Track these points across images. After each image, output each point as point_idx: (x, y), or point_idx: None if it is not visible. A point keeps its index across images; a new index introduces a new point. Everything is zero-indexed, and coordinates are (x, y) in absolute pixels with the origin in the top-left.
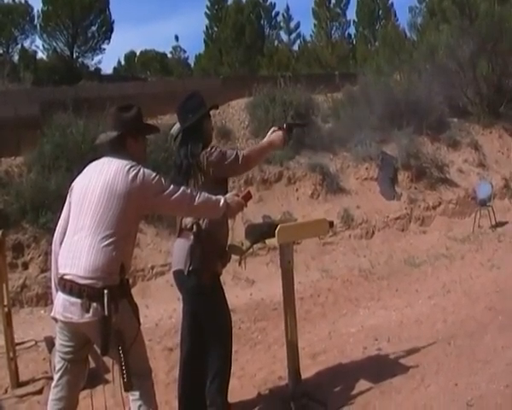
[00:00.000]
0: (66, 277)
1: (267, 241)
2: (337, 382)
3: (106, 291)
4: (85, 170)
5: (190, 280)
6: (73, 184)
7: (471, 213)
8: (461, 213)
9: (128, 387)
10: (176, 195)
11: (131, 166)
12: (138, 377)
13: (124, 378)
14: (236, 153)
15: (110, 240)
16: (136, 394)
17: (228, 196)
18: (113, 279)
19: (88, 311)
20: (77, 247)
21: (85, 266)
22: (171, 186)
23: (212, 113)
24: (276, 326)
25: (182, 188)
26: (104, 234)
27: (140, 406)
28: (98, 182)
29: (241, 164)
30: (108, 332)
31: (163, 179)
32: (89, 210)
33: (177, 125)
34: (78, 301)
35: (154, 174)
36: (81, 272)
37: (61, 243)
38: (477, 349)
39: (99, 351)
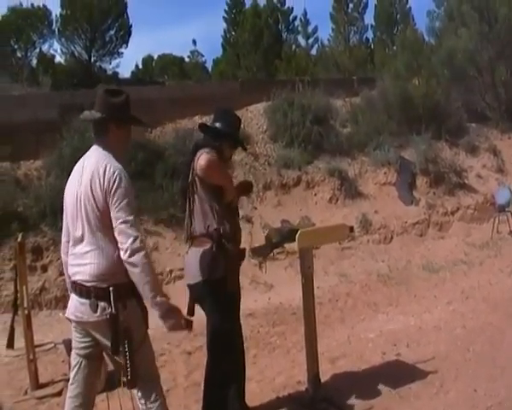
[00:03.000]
0: (75, 280)
1: (287, 245)
2: (356, 387)
3: (111, 289)
4: (73, 172)
5: (215, 289)
6: (65, 189)
7: (489, 218)
8: (479, 219)
9: (131, 385)
10: (124, 225)
11: (107, 167)
12: (147, 383)
13: (127, 376)
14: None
15: (108, 243)
16: (145, 400)
17: (165, 305)
18: (118, 278)
19: (96, 311)
20: (80, 258)
21: (90, 272)
22: (131, 216)
23: None
24: (294, 331)
25: (134, 231)
26: (101, 240)
27: None
28: (81, 187)
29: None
30: (117, 330)
31: (129, 200)
32: (80, 220)
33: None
34: (87, 301)
35: (125, 187)
36: (87, 277)
37: (67, 252)
38: (496, 356)
39: (109, 351)
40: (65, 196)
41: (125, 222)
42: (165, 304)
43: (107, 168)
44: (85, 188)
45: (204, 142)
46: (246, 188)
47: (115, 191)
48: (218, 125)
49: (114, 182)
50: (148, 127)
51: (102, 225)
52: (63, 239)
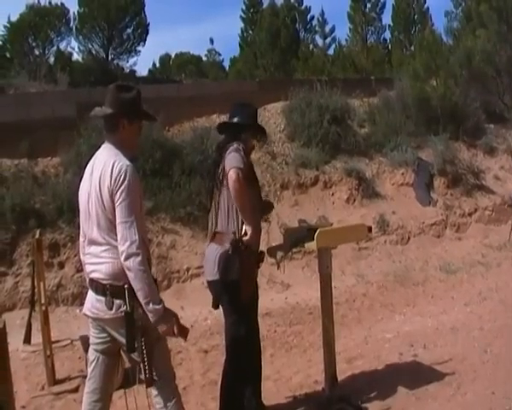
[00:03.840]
0: (92, 278)
1: (306, 245)
2: (373, 387)
3: (126, 287)
4: (85, 171)
5: (230, 291)
6: (79, 189)
7: (507, 220)
8: (497, 221)
9: (149, 383)
10: (123, 226)
11: (114, 165)
12: (162, 381)
13: (146, 374)
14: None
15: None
16: (161, 398)
17: (158, 313)
18: None
19: (111, 308)
20: (96, 257)
21: (106, 271)
22: (130, 217)
23: None
24: (311, 330)
25: (132, 235)
26: (113, 239)
27: None
28: (91, 187)
29: (229, 168)
30: (132, 328)
31: (131, 200)
32: (91, 219)
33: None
34: (103, 298)
35: (129, 186)
36: (103, 276)
37: (85, 252)
38: None
39: (125, 348)
40: (79, 195)
41: (124, 223)
42: (159, 312)
43: (115, 166)
44: (95, 187)
45: (226, 140)
46: (266, 208)
47: (118, 189)
48: (236, 119)
49: (119, 180)
50: (156, 121)
51: (112, 224)
52: (80, 239)
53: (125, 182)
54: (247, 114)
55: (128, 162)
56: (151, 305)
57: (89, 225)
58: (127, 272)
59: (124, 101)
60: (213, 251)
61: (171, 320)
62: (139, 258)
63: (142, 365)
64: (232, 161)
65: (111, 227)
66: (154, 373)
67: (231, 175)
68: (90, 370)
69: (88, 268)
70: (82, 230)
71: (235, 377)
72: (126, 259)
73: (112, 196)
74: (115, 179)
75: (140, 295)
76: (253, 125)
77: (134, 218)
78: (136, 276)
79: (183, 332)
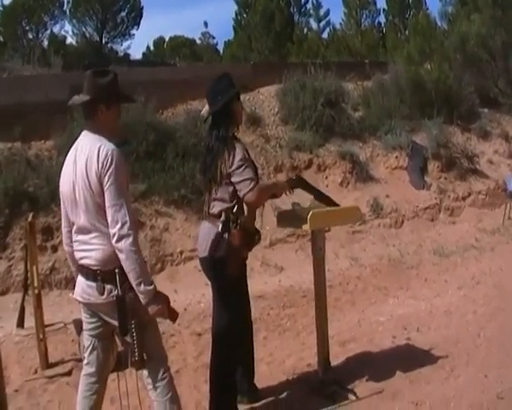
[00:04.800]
0: (82, 264)
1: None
2: (366, 370)
3: (117, 271)
4: (66, 161)
5: (217, 268)
6: (60, 179)
7: (501, 204)
8: (491, 205)
9: (138, 366)
10: (113, 209)
11: (100, 150)
12: (153, 362)
13: (135, 357)
14: (251, 182)
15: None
16: (152, 379)
17: (150, 294)
18: None
19: (103, 293)
20: (85, 244)
21: (96, 257)
22: (120, 199)
23: (242, 98)
24: (305, 313)
25: (123, 216)
26: (102, 224)
27: (159, 394)
28: (76, 175)
29: (245, 193)
30: (124, 311)
31: (119, 183)
32: (79, 207)
33: (207, 107)
34: (94, 284)
35: (116, 169)
36: (93, 262)
37: (70, 241)
38: (507, 342)
39: (118, 331)
40: (60, 186)
41: (114, 205)
42: (150, 293)
43: (101, 151)
44: (81, 174)
45: (216, 123)
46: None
47: (106, 173)
48: (221, 98)
49: (106, 164)
50: (134, 102)
51: (101, 209)
52: (64, 230)
53: (113, 165)
54: (227, 86)
55: (113, 146)
56: (142, 286)
57: (76, 213)
58: (118, 253)
59: (100, 86)
60: (205, 229)
61: (162, 302)
62: (130, 239)
63: (132, 348)
64: (245, 183)
65: (100, 212)
66: (145, 355)
67: (249, 199)
68: (86, 355)
69: (77, 255)
70: (66, 220)
71: (223, 360)
72: (118, 241)
73: (100, 180)
74: (102, 163)
75: (131, 277)
76: (236, 92)
77: (124, 200)
78: (128, 257)
79: (173, 315)
